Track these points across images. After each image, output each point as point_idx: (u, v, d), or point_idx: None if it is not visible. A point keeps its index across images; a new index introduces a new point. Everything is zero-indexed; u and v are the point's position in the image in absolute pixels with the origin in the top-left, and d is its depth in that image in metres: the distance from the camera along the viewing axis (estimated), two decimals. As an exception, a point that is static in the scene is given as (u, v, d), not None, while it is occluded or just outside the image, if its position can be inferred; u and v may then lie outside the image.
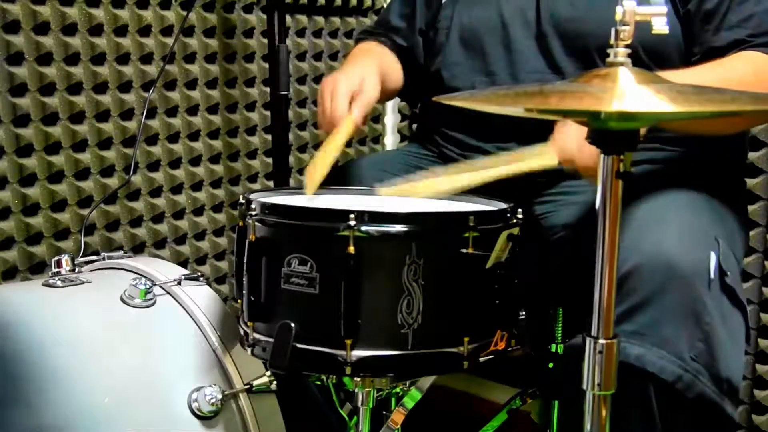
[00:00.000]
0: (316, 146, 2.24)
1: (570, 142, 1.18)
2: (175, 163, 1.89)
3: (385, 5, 2.34)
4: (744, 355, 1.23)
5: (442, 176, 1.20)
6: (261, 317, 1.08)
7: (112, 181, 1.77)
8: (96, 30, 1.70)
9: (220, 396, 1.14)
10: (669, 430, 1.13)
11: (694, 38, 1.34)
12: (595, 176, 0.87)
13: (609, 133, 0.85)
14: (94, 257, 1.41)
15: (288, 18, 2.06)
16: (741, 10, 1.30)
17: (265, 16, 1.99)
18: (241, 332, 1.13)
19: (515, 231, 1.08)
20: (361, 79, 1.40)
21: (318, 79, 2.22)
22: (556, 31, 1.43)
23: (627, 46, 0.85)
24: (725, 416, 1.14)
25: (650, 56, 1.29)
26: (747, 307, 1.23)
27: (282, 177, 1.94)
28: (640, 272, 1.11)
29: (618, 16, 0.85)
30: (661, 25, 0.87)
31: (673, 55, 1.34)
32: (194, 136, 1.93)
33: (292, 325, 1.03)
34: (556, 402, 1.47)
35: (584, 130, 0.88)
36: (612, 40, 0.86)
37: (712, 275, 1.14)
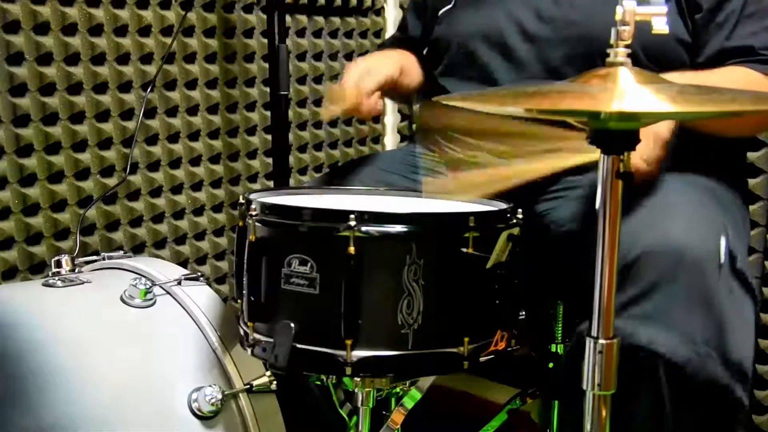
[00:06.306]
0: (317, 146, 2.24)
1: (654, 152, 1.18)
2: (175, 163, 1.89)
3: (385, 5, 2.34)
4: (754, 338, 1.23)
5: (481, 175, 1.19)
6: (261, 317, 1.08)
7: (112, 181, 1.77)
8: (96, 30, 1.70)
9: (220, 396, 1.14)
10: (679, 413, 1.13)
11: (699, 45, 1.34)
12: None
13: (609, 133, 0.85)
14: (94, 257, 1.41)
15: (288, 18, 2.06)
16: (751, 23, 1.31)
17: (265, 16, 1.99)
18: (241, 332, 1.13)
19: (515, 231, 1.08)
20: (376, 62, 1.48)
21: (318, 79, 2.22)
22: (555, 36, 1.42)
23: (627, 47, 0.85)
24: (735, 399, 1.13)
25: (651, 59, 1.29)
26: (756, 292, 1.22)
27: (282, 177, 1.94)
28: (649, 258, 1.10)
29: (618, 16, 0.85)
30: (661, 25, 0.87)
31: (673, 60, 1.34)
32: (194, 136, 1.92)
33: (292, 325, 1.03)
34: (556, 402, 1.47)
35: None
36: (612, 40, 0.85)
37: (722, 259, 1.14)
